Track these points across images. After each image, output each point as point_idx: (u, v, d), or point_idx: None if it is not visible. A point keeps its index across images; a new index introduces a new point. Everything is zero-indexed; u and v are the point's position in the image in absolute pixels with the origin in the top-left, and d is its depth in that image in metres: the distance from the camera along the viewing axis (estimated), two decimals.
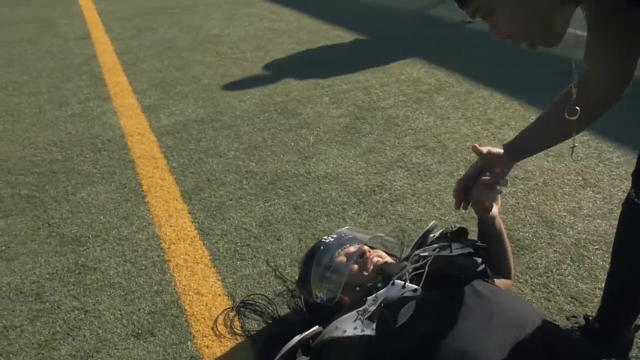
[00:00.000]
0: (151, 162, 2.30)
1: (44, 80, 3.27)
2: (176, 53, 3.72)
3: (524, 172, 2.14)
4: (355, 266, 1.25)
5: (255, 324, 1.45)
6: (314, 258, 1.30)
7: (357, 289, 1.20)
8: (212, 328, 1.44)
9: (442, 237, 1.39)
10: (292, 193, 2.05)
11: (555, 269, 1.62)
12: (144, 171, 2.23)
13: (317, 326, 1.17)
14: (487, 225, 1.38)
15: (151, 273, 1.65)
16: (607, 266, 1.26)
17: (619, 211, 1.16)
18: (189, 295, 1.56)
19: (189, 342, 1.40)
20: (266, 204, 1.98)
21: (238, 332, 1.42)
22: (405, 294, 1.06)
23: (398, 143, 2.41)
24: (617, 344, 1.26)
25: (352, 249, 1.27)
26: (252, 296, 1.52)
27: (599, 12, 0.89)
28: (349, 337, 1.06)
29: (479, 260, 1.23)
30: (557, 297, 1.51)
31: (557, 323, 1.41)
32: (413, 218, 1.87)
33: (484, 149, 1.28)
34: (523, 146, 1.28)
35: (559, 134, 1.21)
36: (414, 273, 1.15)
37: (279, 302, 1.51)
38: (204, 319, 1.48)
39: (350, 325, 1.09)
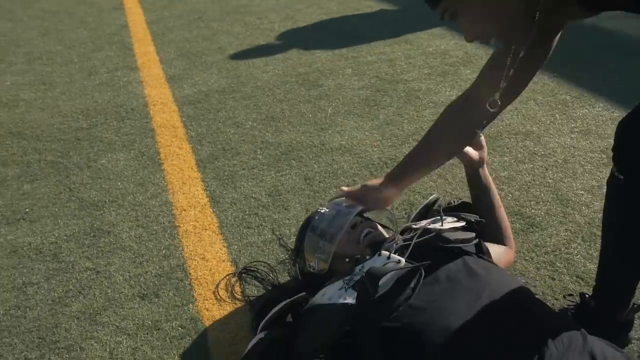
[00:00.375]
0: (170, 131, 2.36)
1: (76, 50, 3.37)
2: (205, 23, 3.75)
3: (544, 148, 2.08)
4: (346, 237, 1.25)
5: (255, 290, 1.49)
6: (308, 227, 1.32)
7: (347, 260, 1.21)
8: (214, 292, 1.49)
9: (440, 210, 1.38)
10: (305, 164, 2.06)
11: (564, 248, 1.59)
12: (163, 140, 2.29)
13: (303, 293, 1.20)
14: (474, 178, 1.48)
15: (161, 238, 1.71)
16: None
17: None
18: (195, 260, 1.61)
19: (190, 305, 1.45)
20: (278, 174, 2.01)
21: (238, 297, 1.47)
22: (387, 265, 1.07)
23: (417, 116, 2.37)
24: (613, 324, 1.23)
25: (345, 219, 1.28)
26: (254, 263, 1.56)
27: (541, 30, 0.93)
28: (331, 305, 1.08)
29: (472, 234, 1.22)
30: (563, 276, 1.49)
31: (553, 303, 1.39)
32: (423, 192, 1.86)
33: (356, 186, 1.36)
34: (405, 171, 1.32)
35: (449, 150, 1.29)
36: (402, 245, 1.15)
37: (280, 269, 1.55)
38: (207, 283, 1.53)
39: (334, 293, 1.10)
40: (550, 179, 1.91)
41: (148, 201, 1.89)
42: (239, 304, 1.45)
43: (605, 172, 1.91)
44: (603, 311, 1.24)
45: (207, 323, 1.40)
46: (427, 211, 1.50)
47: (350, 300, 1.05)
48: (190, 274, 1.56)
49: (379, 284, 1.02)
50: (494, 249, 1.30)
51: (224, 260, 1.60)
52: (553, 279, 1.48)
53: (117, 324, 1.41)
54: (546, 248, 1.59)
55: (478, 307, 1.01)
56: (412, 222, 1.42)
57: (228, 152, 2.17)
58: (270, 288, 1.48)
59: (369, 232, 1.26)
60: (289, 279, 1.52)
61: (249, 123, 2.39)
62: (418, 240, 1.15)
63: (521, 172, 1.95)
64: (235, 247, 1.65)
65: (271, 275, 1.51)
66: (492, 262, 1.23)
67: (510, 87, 1.08)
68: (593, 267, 1.50)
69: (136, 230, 1.75)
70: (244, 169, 2.05)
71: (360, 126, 2.31)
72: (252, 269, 1.54)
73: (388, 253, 1.10)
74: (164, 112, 2.53)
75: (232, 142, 2.24)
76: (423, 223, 1.25)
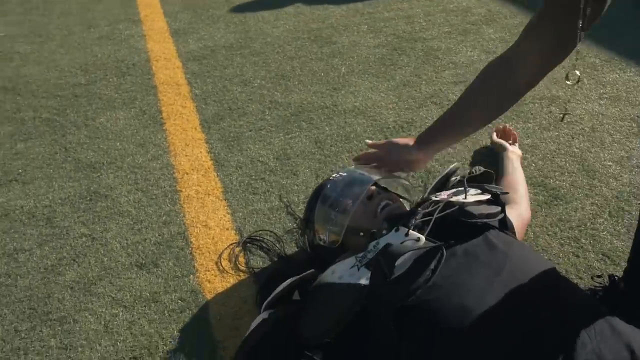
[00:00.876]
0: (174, 89, 2.23)
1: (76, 0, 3.21)
2: None
3: (571, 115, 1.94)
4: (361, 208, 1.14)
5: (260, 261, 1.40)
6: (319, 196, 1.21)
7: (361, 233, 1.11)
8: (216, 263, 1.40)
9: (464, 181, 1.27)
10: (315, 126, 1.94)
11: (590, 223, 1.47)
12: (165, 98, 2.17)
13: (312, 269, 1.10)
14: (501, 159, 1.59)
15: (161, 203, 1.61)
16: None
17: None
18: (197, 227, 1.52)
19: (191, 275, 1.37)
20: (286, 136, 1.89)
21: (242, 268, 1.38)
22: (406, 243, 0.96)
23: (435, 77, 2.23)
24: None
25: (360, 189, 1.16)
26: (260, 232, 1.47)
27: None
28: (341, 284, 0.98)
29: (498, 208, 1.11)
30: (587, 253, 1.38)
31: (577, 282, 1.30)
32: (440, 159, 1.74)
33: (383, 141, 1.27)
34: (440, 132, 1.20)
35: (485, 115, 1.17)
36: (422, 219, 1.04)
37: (287, 239, 1.45)
38: (209, 252, 1.44)
39: (346, 271, 1.01)
40: (577, 148, 1.78)
41: (148, 163, 1.79)
42: (242, 276, 1.36)
43: (637, 142, 1.78)
44: (634, 295, 1.14)
45: (209, 296, 1.31)
46: (447, 181, 1.39)
47: (363, 280, 0.95)
48: (191, 242, 1.47)
49: (396, 264, 0.92)
50: (513, 216, 1.20)
51: (227, 228, 1.51)
52: (577, 256, 1.38)
53: (113, 295, 1.33)
54: (570, 223, 1.48)
55: (498, 283, 0.91)
56: (430, 193, 1.31)
57: (234, 112, 2.05)
58: (276, 259, 1.39)
59: (386, 204, 1.15)
60: (296, 250, 1.43)
61: (257, 81, 2.25)
62: (439, 215, 1.04)
63: (545, 140, 1.82)
64: (240, 214, 1.56)
65: (278, 245, 1.42)
66: (515, 237, 1.13)
67: (560, 44, 0.95)
68: (620, 244, 1.40)
69: (135, 195, 1.65)
70: (250, 130, 1.93)
71: (375, 87, 2.18)
72: (258, 238, 1.44)
73: (406, 229, 1.00)
74: (167, 69, 2.40)
75: (238, 101, 2.12)
76: (444, 195, 1.14)
